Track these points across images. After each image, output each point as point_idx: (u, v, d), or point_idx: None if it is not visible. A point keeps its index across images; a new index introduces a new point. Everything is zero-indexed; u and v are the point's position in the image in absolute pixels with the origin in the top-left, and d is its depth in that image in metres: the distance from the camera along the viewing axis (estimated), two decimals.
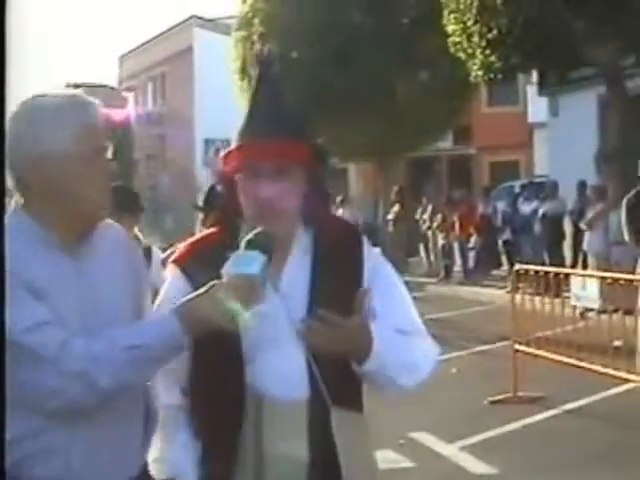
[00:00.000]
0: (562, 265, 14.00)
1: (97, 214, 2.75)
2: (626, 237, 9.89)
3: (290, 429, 2.77)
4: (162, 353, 2.59)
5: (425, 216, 22.35)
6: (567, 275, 9.62)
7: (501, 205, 20.22)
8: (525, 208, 18.18)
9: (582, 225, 14.19)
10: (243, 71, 23.12)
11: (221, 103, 28.78)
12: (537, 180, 21.84)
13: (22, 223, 2.70)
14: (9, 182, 2.69)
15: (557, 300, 9.15)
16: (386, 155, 25.17)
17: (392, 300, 2.91)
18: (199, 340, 2.69)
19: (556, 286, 9.17)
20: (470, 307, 16.58)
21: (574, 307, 9.25)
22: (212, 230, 3.01)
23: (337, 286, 2.78)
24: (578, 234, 14.92)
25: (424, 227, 22.39)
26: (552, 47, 13.48)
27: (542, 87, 20.48)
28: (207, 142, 27.45)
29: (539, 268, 9.69)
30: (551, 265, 9.90)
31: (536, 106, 24.93)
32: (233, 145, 2.86)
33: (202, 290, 2.58)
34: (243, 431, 2.77)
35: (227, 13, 30.52)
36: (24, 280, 2.56)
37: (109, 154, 2.77)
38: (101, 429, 2.68)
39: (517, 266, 9.53)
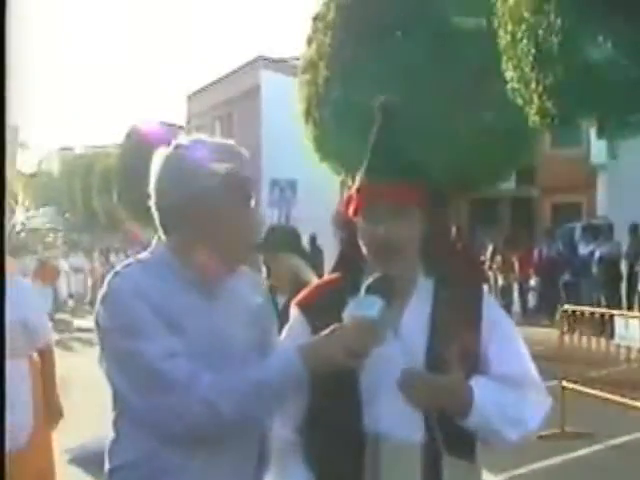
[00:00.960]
0: (619, 307, 14.18)
1: (239, 259, 2.84)
2: None
3: (404, 471, 2.78)
4: (284, 390, 2.64)
5: (486, 257, 22.60)
6: (612, 316, 9.92)
7: (561, 247, 20.43)
8: (583, 250, 18.37)
9: (637, 267, 14.41)
10: (308, 113, 23.30)
11: (287, 144, 29.19)
12: (595, 222, 22.01)
13: (164, 258, 2.81)
14: (156, 220, 2.81)
15: (602, 340, 9.46)
16: (449, 196, 25.29)
17: (507, 351, 2.89)
18: (317, 378, 2.72)
19: (602, 326, 9.48)
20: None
21: (618, 346, 9.52)
22: (334, 275, 3.06)
23: (455, 334, 2.79)
24: (633, 276, 15.13)
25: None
26: (607, 93, 13.69)
27: (600, 130, 20.69)
28: (273, 182, 27.70)
29: (586, 309, 10.03)
30: (608, 307, 10.13)
31: (598, 148, 25.07)
32: (353, 190, 2.94)
33: (325, 331, 2.63)
34: (359, 471, 2.79)
35: (294, 54, 30.88)
36: (161, 313, 2.65)
37: (253, 204, 2.84)
38: (214, 460, 2.72)
39: (565, 306, 9.87)
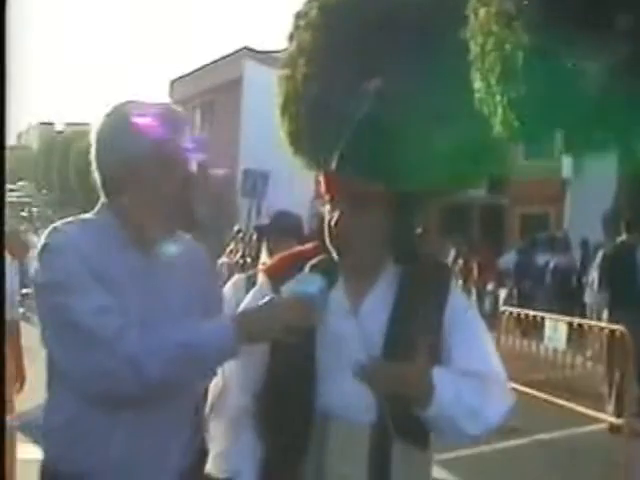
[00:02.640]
0: (571, 315, 14.76)
1: (175, 225, 2.81)
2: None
3: (351, 452, 2.78)
4: (211, 356, 2.63)
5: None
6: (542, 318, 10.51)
7: (521, 256, 20.95)
8: (540, 260, 18.93)
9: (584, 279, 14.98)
10: (285, 108, 23.63)
11: (265, 136, 29.27)
12: (558, 235, 22.53)
13: (105, 219, 2.81)
14: (98, 183, 2.82)
15: (533, 342, 10.04)
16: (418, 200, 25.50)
17: (471, 345, 2.86)
18: (277, 352, 2.82)
19: (535, 328, 10.07)
20: None
21: (546, 348, 10.10)
22: (309, 247, 3.05)
23: (416, 321, 2.79)
24: (579, 288, 15.71)
25: None
26: (570, 110, 14.06)
27: (567, 145, 21.02)
28: (246, 172, 27.84)
29: (521, 310, 10.64)
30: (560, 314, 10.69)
31: (569, 162, 25.49)
32: (326, 171, 2.92)
33: (263, 301, 2.67)
34: (306, 445, 2.82)
35: (279, 47, 30.99)
36: (95, 270, 2.64)
37: (192, 171, 2.83)
38: (144, 422, 2.71)
39: (502, 308, 10.43)
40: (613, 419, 9.20)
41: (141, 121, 2.76)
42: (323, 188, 2.90)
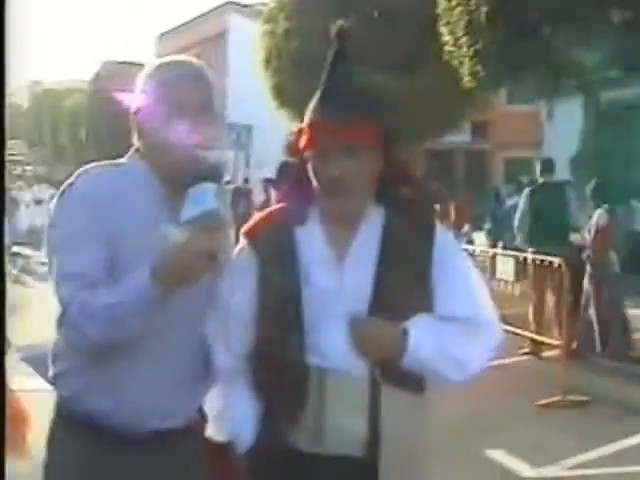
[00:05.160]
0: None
1: (185, 172, 2.61)
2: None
3: (350, 403, 2.74)
4: (136, 308, 2.54)
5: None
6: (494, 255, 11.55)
7: (494, 199, 21.63)
8: (509, 202, 19.47)
9: None
10: (267, 62, 24.16)
11: (249, 89, 29.41)
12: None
13: (131, 164, 2.84)
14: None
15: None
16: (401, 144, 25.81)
17: (457, 289, 2.80)
18: (262, 309, 2.80)
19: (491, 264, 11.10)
20: None
21: (498, 280, 11.07)
22: (282, 205, 2.96)
23: (403, 266, 2.74)
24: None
25: None
26: (532, 60, 14.89)
27: (538, 92, 21.41)
28: (230, 126, 28.32)
29: (473, 247, 11.75)
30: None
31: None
32: (305, 122, 2.80)
33: (177, 242, 2.52)
34: (303, 400, 2.76)
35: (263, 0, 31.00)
36: (105, 219, 2.66)
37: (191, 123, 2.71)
38: (150, 369, 2.73)
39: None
40: (556, 342, 10.08)
41: (153, 70, 2.81)
42: (306, 140, 2.78)
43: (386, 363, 2.71)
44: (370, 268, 2.77)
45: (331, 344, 2.72)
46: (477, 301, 2.83)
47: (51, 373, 2.86)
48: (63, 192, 2.73)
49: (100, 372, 2.70)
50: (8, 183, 30.61)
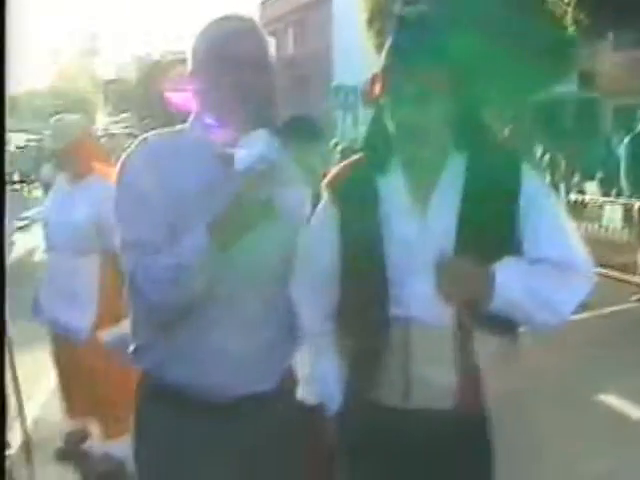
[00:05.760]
0: None
1: (244, 127, 2.57)
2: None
3: (437, 353, 2.71)
4: (196, 266, 2.54)
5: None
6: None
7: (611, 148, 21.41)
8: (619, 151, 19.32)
9: None
10: (370, 23, 24.22)
11: (354, 51, 29.50)
12: None
13: (191, 129, 2.83)
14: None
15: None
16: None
17: (545, 232, 2.72)
18: (346, 260, 2.80)
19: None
20: None
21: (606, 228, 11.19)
22: (363, 155, 2.93)
23: (487, 215, 2.68)
24: None
25: None
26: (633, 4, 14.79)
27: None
28: (337, 88, 28.50)
29: (583, 197, 11.77)
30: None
31: None
32: (379, 68, 2.78)
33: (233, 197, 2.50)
34: (390, 354, 2.75)
35: None
36: (164, 187, 2.66)
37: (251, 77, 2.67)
38: (222, 336, 2.71)
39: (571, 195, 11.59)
40: None
41: (213, 29, 2.78)
42: (382, 83, 2.77)
43: (474, 306, 2.66)
44: (453, 216, 2.72)
45: (414, 294, 2.71)
46: (568, 242, 2.76)
47: (131, 348, 2.87)
48: (124, 161, 2.74)
49: (175, 342, 2.70)
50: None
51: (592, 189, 19.59)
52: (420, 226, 2.74)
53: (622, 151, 11.77)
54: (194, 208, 2.61)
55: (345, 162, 3.00)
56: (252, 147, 2.46)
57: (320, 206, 2.93)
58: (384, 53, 2.77)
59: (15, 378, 5.54)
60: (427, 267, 2.61)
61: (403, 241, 2.72)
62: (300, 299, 2.89)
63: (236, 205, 2.48)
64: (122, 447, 5.15)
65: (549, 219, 2.75)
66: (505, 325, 2.73)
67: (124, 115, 69.54)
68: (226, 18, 2.78)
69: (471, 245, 2.67)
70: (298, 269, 2.89)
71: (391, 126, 2.74)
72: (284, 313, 2.86)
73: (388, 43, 2.77)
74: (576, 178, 20.41)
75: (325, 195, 2.91)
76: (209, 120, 2.72)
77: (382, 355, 2.75)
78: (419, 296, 2.69)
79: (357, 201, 2.79)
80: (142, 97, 67.64)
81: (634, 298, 10.90)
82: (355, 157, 2.97)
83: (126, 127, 59.88)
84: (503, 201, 2.72)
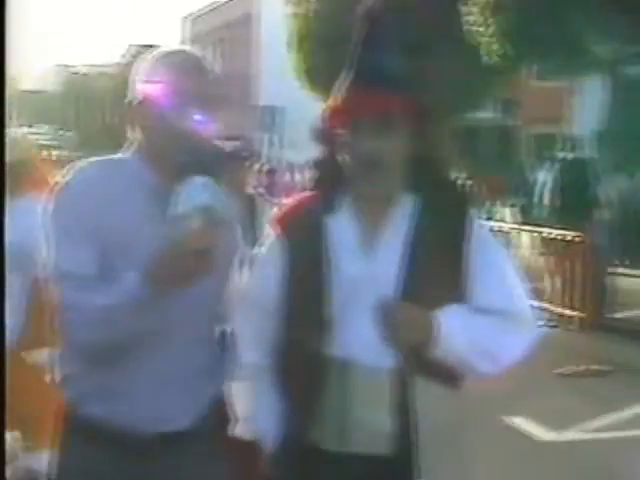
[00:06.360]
0: None
1: (183, 168, 2.50)
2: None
3: (373, 396, 2.68)
4: (130, 309, 2.48)
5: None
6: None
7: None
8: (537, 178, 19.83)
9: None
10: (300, 45, 24.03)
11: (278, 70, 29.18)
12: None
13: (128, 158, 2.74)
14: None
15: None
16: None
17: (491, 280, 2.72)
18: (290, 297, 2.76)
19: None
20: None
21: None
22: (311, 192, 2.91)
23: (433, 259, 2.67)
24: None
25: None
26: (556, 40, 15.16)
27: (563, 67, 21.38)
28: (263, 109, 28.49)
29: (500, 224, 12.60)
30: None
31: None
32: (334, 101, 2.76)
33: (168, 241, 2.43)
34: (328, 394, 2.71)
35: None
36: (97, 217, 2.60)
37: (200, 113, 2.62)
38: (150, 372, 2.65)
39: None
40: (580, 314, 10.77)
41: (154, 63, 2.72)
42: (342, 116, 2.75)
43: (415, 351, 2.63)
44: (400, 257, 2.70)
45: (355, 335, 2.66)
46: (512, 293, 2.76)
47: (57, 377, 2.80)
48: (59, 190, 2.68)
49: (101, 376, 2.65)
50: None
51: (509, 216, 20.16)
52: (367, 267, 2.71)
53: (542, 178, 12.07)
54: (127, 245, 2.58)
55: (294, 199, 3.01)
56: (196, 196, 2.40)
57: (267, 242, 2.90)
58: (340, 85, 2.77)
59: None
60: (370, 309, 2.59)
61: (349, 280, 2.69)
62: (240, 334, 2.87)
63: (174, 254, 2.42)
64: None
65: (495, 268, 2.75)
66: (447, 373, 2.72)
67: (39, 125, 68.67)
68: (182, 51, 2.81)
69: (416, 288, 2.66)
70: (240, 304, 2.89)
71: (347, 161, 2.74)
72: (215, 351, 2.83)
73: (348, 75, 2.75)
74: (495, 206, 20.75)
75: (272, 232, 2.89)
76: (150, 155, 2.70)
77: (319, 395, 2.72)
78: (360, 338, 2.65)
79: (305, 239, 2.77)
80: (59, 108, 66.93)
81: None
82: (305, 194, 2.97)
83: (42, 139, 59.16)
84: (450, 246, 2.71)
